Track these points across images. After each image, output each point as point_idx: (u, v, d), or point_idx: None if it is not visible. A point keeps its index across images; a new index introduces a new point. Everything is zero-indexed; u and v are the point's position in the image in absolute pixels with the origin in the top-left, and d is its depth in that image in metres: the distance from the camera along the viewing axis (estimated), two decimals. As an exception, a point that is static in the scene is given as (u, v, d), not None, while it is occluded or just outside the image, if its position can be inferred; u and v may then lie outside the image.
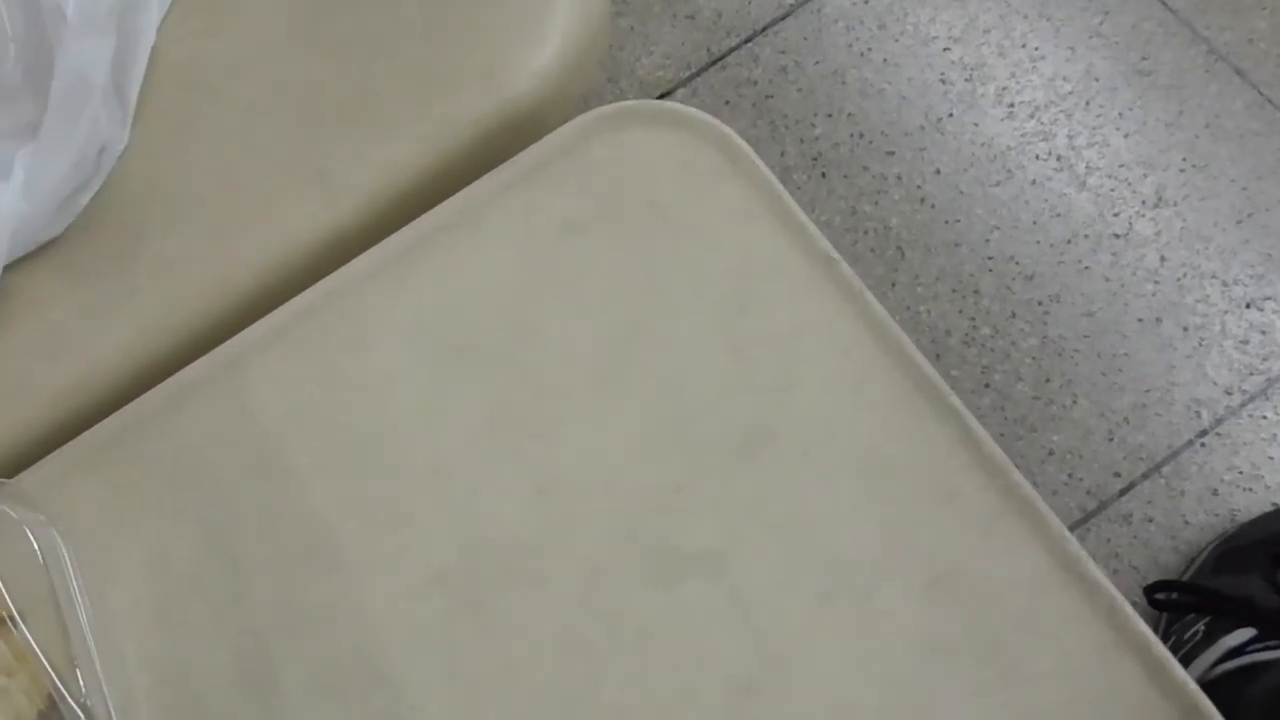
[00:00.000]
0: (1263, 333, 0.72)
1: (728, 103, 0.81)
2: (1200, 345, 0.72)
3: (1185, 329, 0.72)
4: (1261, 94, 0.77)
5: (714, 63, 0.82)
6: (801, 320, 0.34)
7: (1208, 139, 0.76)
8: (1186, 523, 0.68)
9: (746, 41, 0.82)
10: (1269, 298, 0.72)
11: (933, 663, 0.30)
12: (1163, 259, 0.74)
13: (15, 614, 0.30)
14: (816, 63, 0.81)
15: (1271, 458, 0.69)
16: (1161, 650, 0.29)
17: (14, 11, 0.38)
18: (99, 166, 0.39)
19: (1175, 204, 0.75)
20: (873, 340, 0.33)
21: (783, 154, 0.79)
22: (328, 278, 0.37)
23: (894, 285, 0.75)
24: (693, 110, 0.37)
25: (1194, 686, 0.29)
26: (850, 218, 0.77)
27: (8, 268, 0.38)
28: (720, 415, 0.33)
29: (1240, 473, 0.69)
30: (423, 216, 0.37)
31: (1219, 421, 0.70)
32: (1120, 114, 0.78)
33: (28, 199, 0.36)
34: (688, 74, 0.82)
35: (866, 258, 0.76)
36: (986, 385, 0.73)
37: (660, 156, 0.36)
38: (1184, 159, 0.76)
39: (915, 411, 0.32)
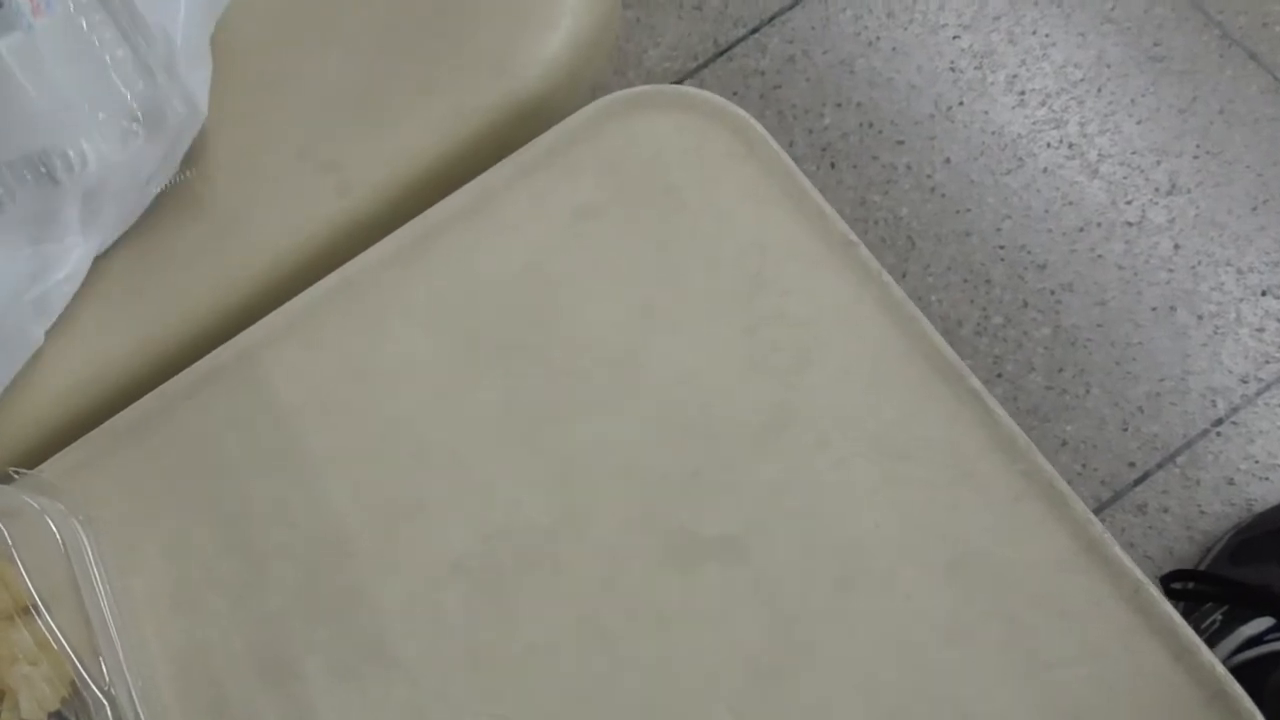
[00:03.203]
0: (1279, 320, 0.71)
1: (735, 93, 0.81)
2: (1215, 333, 0.71)
3: (1200, 317, 0.72)
4: (1276, 79, 0.76)
5: (721, 53, 0.82)
6: (819, 303, 0.33)
7: (1221, 125, 0.76)
8: (1202, 512, 0.68)
9: (754, 32, 0.82)
10: (1284, 284, 0.72)
11: (954, 646, 0.30)
12: (1176, 247, 0.73)
13: (38, 603, 0.30)
14: (824, 52, 0.81)
15: (1288, 446, 0.69)
16: (1188, 632, 0.29)
17: (132, 52, 0.37)
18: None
19: (1189, 191, 0.74)
20: (891, 323, 0.33)
21: (791, 144, 0.79)
22: (342, 267, 0.37)
23: (904, 275, 0.75)
24: (707, 94, 0.37)
25: (1221, 670, 0.28)
26: (860, 208, 0.77)
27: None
28: (738, 399, 0.33)
29: (1256, 462, 0.68)
30: (437, 204, 0.37)
31: (1234, 410, 0.69)
32: (1133, 100, 0.77)
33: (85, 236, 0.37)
34: (695, 65, 0.82)
35: (877, 247, 0.76)
36: (999, 375, 0.72)
37: (675, 141, 0.36)
38: (1198, 145, 0.75)
39: (934, 394, 0.32)
